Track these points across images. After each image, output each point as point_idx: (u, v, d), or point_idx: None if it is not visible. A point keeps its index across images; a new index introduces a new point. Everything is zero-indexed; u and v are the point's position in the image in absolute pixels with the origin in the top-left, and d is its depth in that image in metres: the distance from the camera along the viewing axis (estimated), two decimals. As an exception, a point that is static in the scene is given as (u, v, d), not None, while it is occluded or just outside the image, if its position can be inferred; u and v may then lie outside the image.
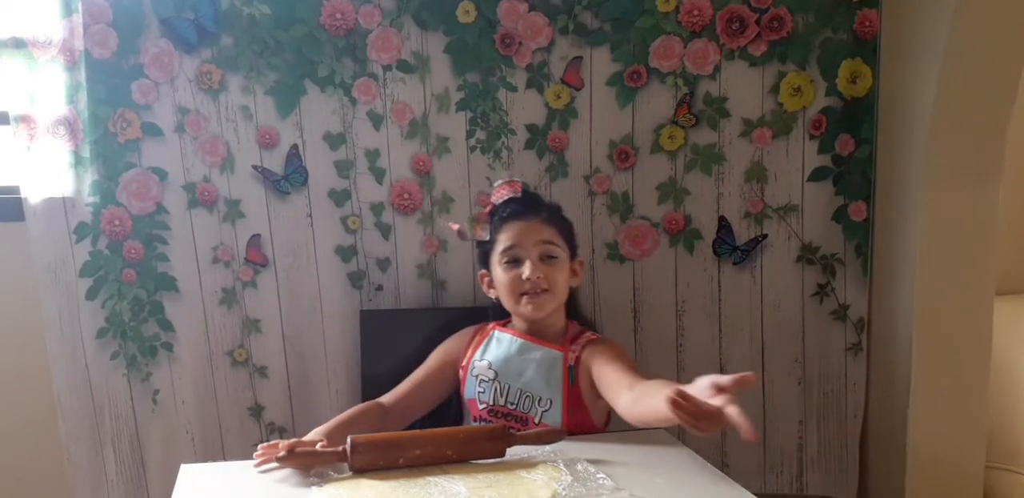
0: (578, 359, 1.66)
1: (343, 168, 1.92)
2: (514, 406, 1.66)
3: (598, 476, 1.40)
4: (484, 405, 1.68)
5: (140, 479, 1.93)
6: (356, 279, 1.96)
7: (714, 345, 2.08)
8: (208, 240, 1.90)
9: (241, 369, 1.95)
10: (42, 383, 1.89)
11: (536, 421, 1.64)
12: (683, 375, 2.08)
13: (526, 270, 1.63)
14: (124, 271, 1.87)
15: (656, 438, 1.67)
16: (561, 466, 1.43)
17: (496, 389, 1.67)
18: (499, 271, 1.67)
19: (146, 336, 1.90)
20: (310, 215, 1.93)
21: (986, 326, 1.97)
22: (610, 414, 1.68)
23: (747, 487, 1.41)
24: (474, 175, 1.96)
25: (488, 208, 1.73)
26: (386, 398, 1.69)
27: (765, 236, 2.05)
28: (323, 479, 1.41)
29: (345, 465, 1.43)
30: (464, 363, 1.73)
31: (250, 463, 1.47)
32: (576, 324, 1.74)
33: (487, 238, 1.70)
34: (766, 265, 2.06)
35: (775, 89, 1.99)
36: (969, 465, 2.02)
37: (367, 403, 1.67)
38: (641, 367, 2.05)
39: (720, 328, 2.08)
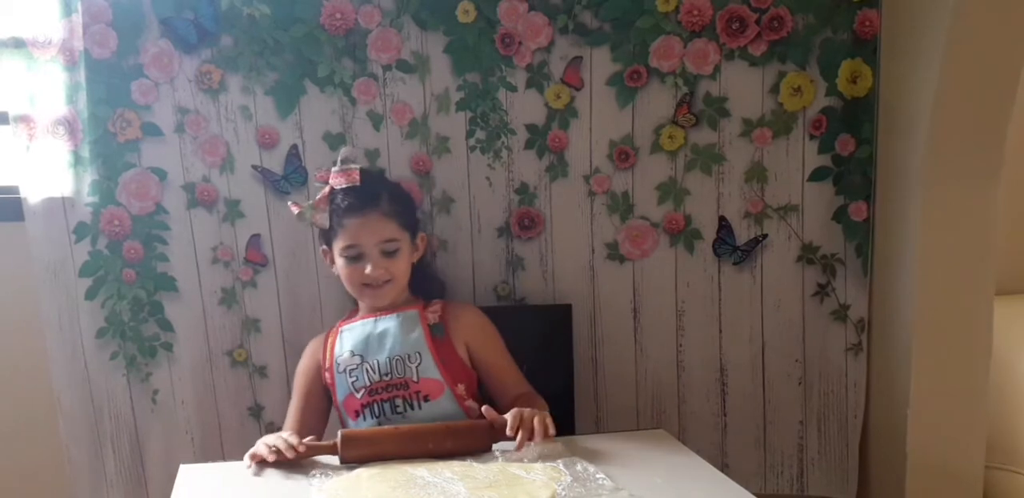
0: (443, 319, 1.73)
1: (343, 168, 1.92)
2: (389, 376, 1.68)
3: (597, 476, 1.40)
4: (361, 391, 1.68)
5: (139, 479, 1.94)
6: (356, 279, 1.96)
7: (714, 345, 2.08)
8: (208, 240, 1.90)
9: (241, 369, 1.95)
10: (42, 383, 1.89)
11: (415, 379, 1.67)
12: (683, 374, 2.08)
13: (367, 268, 1.68)
14: (124, 271, 1.87)
15: (656, 438, 1.68)
16: (561, 466, 1.43)
17: (367, 369, 1.69)
18: (340, 262, 1.71)
19: (146, 336, 1.90)
20: (310, 215, 1.93)
21: (986, 326, 1.97)
22: None
23: (747, 487, 1.41)
24: (474, 175, 1.96)
25: (326, 191, 1.71)
26: (289, 429, 1.70)
27: (765, 236, 2.05)
28: (322, 478, 1.41)
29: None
30: (327, 366, 1.73)
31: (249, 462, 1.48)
32: (421, 299, 1.78)
33: (326, 227, 1.71)
34: (766, 265, 2.06)
35: (775, 89, 1.99)
36: (969, 465, 2.01)
37: None
38: (641, 369, 2.07)
39: (720, 328, 2.08)
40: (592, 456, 1.49)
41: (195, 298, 1.91)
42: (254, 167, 1.90)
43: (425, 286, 1.82)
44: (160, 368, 1.91)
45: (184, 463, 1.57)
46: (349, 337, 1.72)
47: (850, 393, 2.10)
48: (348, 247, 1.69)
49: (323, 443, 1.52)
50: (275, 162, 1.91)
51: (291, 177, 1.91)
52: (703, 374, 2.09)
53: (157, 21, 1.81)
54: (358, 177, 1.69)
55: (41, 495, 2.00)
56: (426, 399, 1.67)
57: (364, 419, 1.68)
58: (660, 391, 2.09)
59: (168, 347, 1.91)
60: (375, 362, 1.69)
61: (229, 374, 1.95)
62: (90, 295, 1.86)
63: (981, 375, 1.99)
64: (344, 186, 1.69)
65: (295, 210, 1.72)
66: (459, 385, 1.69)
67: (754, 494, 1.36)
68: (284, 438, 1.50)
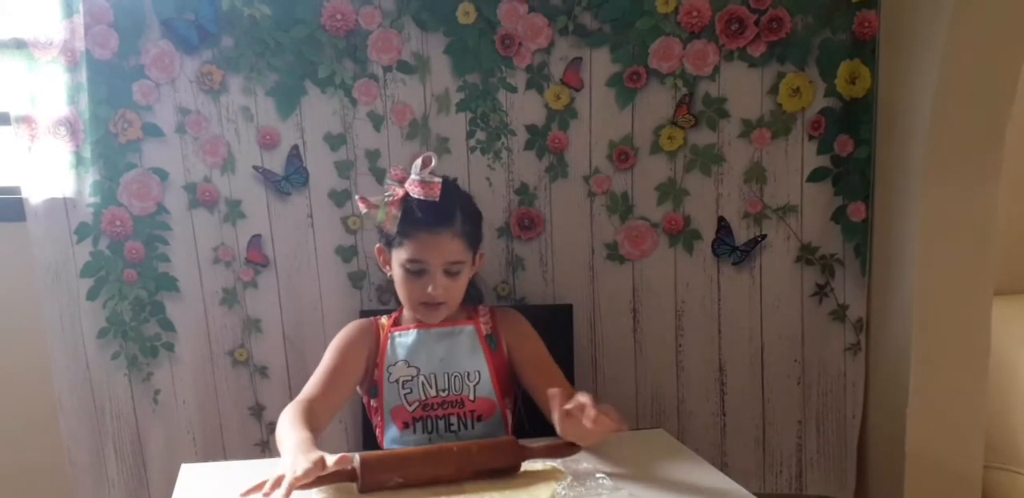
0: (494, 329, 1.69)
1: (344, 169, 1.93)
2: (446, 392, 1.65)
3: (597, 476, 1.40)
4: (415, 404, 1.65)
5: (141, 479, 1.94)
6: (357, 279, 1.97)
7: (713, 345, 2.09)
8: (209, 240, 1.91)
9: (242, 369, 1.95)
10: (43, 383, 1.89)
11: (472, 398, 1.65)
12: (682, 374, 2.09)
13: (429, 287, 1.61)
14: (125, 271, 1.87)
15: (655, 438, 1.68)
16: (560, 465, 1.44)
17: (423, 383, 1.65)
18: (399, 272, 1.64)
19: (147, 336, 1.90)
20: (311, 215, 1.93)
21: (985, 326, 1.97)
22: None
23: (746, 487, 1.41)
24: (474, 176, 1.97)
25: (400, 195, 1.60)
26: (310, 394, 1.61)
27: (764, 236, 2.06)
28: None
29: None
30: (376, 373, 1.67)
31: (251, 463, 1.47)
32: (471, 306, 1.74)
33: (393, 233, 1.62)
34: (765, 265, 2.07)
35: (774, 90, 2.00)
36: (967, 465, 2.02)
37: (296, 410, 1.55)
38: (641, 369, 2.07)
39: (719, 328, 2.08)
40: (592, 456, 1.50)
41: (196, 298, 1.92)
42: (255, 168, 1.90)
43: (471, 294, 1.76)
44: (161, 368, 1.92)
45: (185, 463, 1.57)
46: (402, 345, 1.67)
47: (849, 393, 2.11)
48: (413, 261, 1.61)
49: (338, 469, 1.36)
50: (276, 163, 1.91)
51: (292, 178, 1.92)
52: (702, 374, 2.10)
53: (158, 22, 1.82)
54: (439, 193, 1.58)
55: (43, 495, 2.00)
56: (479, 419, 1.65)
57: (413, 432, 1.65)
58: (659, 391, 2.09)
59: (169, 347, 1.92)
60: (432, 376, 1.65)
61: (230, 374, 1.95)
62: (91, 295, 1.86)
63: (980, 375, 1.99)
64: (422, 197, 1.59)
65: (364, 207, 1.64)
66: (507, 399, 1.69)
67: (753, 493, 1.37)
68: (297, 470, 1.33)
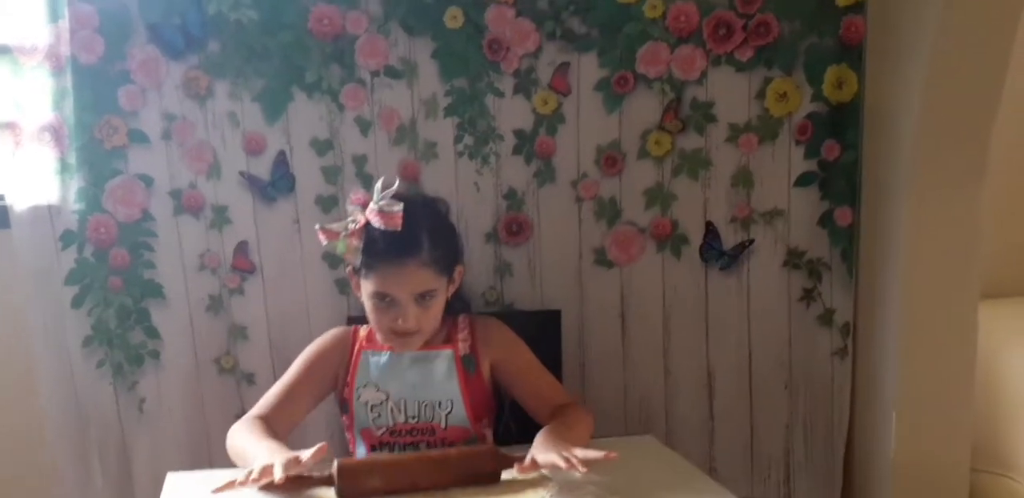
0: (473, 346, 1.65)
1: (331, 174, 1.92)
2: (415, 419, 1.61)
3: (585, 482, 1.40)
4: (382, 429, 1.62)
5: (127, 488, 1.92)
6: (343, 285, 1.95)
7: (701, 350, 2.09)
8: (194, 247, 1.90)
9: (228, 376, 1.94)
10: (28, 392, 1.87)
11: (443, 426, 1.62)
12: (670, 379, 2.09)
13: (399, 319, 1.54)
14: (110, 279, 1.86)
15: (644, 444, 1.68)
16: (548, 472, 1.43)
17: (391, 409, 1.61)
18: (369, 303, 1.57)
19: (132, 344, 1.88)
20: (297, 221, 1.92)
21: (971, 330, 1.99)
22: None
23: (735, 492, 1.42)
24: (462, 181, 1.96)
25: (362, 223, 1.53)
26: (262, 412, 1.60)
27: (752, 241, 2.06)
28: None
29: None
30: (348, 383, 1.64)
31: (238, 471, 1.46)
32: (450, 319, 1.68)
33: (357, 265, 1.56)
34: (753, 270, 2.07)
35: (761, 94, 2.00)
36: (954, 469, 2.03)
37: (251, 423, 1.55)
38: (629, 374, 2.07)
39: (707, 333, 2.09)
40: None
41: (182, 305, 1.90)
42: (241, 173, 1.89)
43: (452, 305, 1.69)
44: (147, 376, 1.90)
45: (171, 471, 1.56)
46: (375, 365, 1.63)
47: (836, 397, 2.11)
48: (379, 294, 1.55)
49: (316, 475, 1.40)
50: (262, 168, 1.90)
51: (278, 183, 1.91)
52: (690, 379, 2.10)
53: (144, 27, 1.80)
54: (400, 222, 1.49)
55: (27, 504, 1.99)
56: (451, 446, 1.60)
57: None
58: (647, 396, 2.09)
59: (155, 355, 1.90)
60: (402, 402, 1.61)
61: (216, 381, 1.94)
62: (76, 303, 1.85)
63: (966, 379, 2.00)
64: (383, 227, 1.51)
65: (324, 239, 1.55)
66: (482, 421, 1.66)
67: (742, 499, 1.37)
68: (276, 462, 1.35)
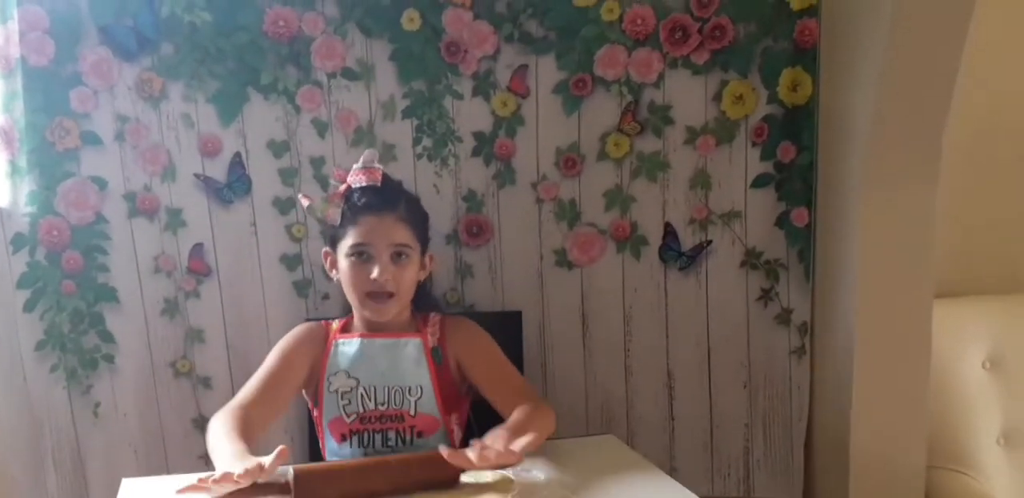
0: (441, 341, 1.67)
1: (287, 176, 1.91)
2: (384, 406, 1.63)
3: (549, 482, 1.40)
4: (352, 416, 1.63)
5: (82, 494, 1.90)
6: (302, 288, 1.95)
7: (661, 350, 2.10)
8: (149, 250, 1.88)
9: (184, 380, 1.92)
10: (-22, 398, 1.85)
11: (412, 413, 1.63)
12: (631, 379, 2.10)
13: (375, 271, 1.59)
14: (63, 282, 1.84)
15: (605, 444, 1.69)
16: (511, 474, 1.43)
17: (362, 395, 1.63)
18: (345, 263, 1.62)
19: (86, 348, 1.86)
20: (254, 224, 1.91)
21: (926, 329, 2.01)
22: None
23: (695, 490, 1.42)
24: (421, 183, 1.96)
25: (343, 188, 1.63)
26: (241, 405, 1.57)
27: (710, 242, 2.07)
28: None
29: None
30: (319, 383, 1.65)
31: (194, 476, 1.44)
32: (421, 315, 1.71)
33: (338, 223, 1.62)
34: (711, 270, 2.09)
35: (718, 97, 2.02)
36: (911, 465, 2.05)
37: (229, 417, 1.53)
38: (590, 374, 2.07)
39: (667, 333, 2.10)
40: (542, 463, 1.50)
41: (137, 309, 1.88)
42: (196, 175, 1.88)
43: (423, 302, 1.75)
44: (101, 380, 1.88)
45: (127, 477, 1.54)
46: (344, 354, 1.65)
47: (794, 396, 2.13)
48: (358, 244, 1.60)
49: (273, 482, 1.37)
50: (218, 170, 1.88)
51: (235, 185, 1.89)
52: (651, 379, 2.11)
53: (95, 28, 1.79)
54: (380, 177, 1.63)
55: (-21, 512, 1.95)
56: (420, 435, 1.63)
57: (350, 446, 1.63)
58: (609, 396, 2.10)
59: (109, 359, 1.88)
60: (372, 388, 1.63)
61: (172, 385, 1.92)
62: (28, 307, 1.82)
63: (921, 377, 2.03)
64: (364, 185, 1.62)
65: (305, 202, 1.64)
66: (452, 415, 1.66)
67: (701, 497, 1.38)
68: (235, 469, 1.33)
